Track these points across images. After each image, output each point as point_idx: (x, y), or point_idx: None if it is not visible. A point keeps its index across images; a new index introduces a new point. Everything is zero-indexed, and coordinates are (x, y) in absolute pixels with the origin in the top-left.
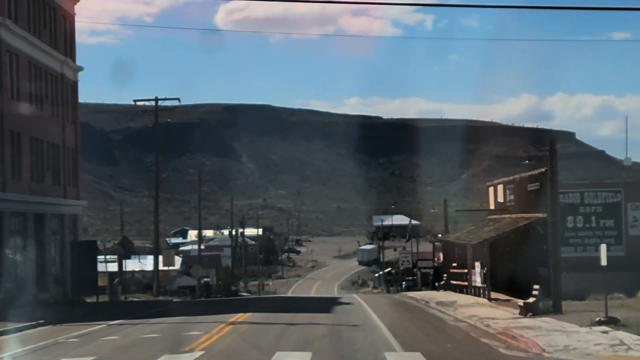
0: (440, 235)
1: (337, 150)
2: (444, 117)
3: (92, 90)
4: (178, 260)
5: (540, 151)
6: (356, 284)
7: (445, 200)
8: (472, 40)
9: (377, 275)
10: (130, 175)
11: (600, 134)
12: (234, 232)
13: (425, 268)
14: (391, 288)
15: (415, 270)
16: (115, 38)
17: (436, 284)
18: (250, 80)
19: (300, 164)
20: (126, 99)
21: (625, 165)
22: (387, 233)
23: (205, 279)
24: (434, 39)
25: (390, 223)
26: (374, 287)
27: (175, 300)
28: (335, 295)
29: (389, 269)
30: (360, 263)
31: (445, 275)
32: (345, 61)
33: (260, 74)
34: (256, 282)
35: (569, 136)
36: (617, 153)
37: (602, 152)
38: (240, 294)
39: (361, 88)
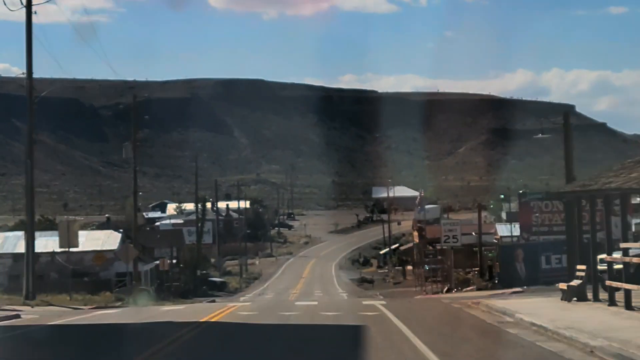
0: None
1: (332, 125)
2: (440, 90)
3: (81, 65)
4: (117, 237)
5: (554, 124)
6: (357, 262)
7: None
8: (467, 16)
9: (381, 252)
10: (120, 151)
11: (597, 109)
12: (213, 204)
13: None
14: (395, 268)
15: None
16: (108, 16)
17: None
18: (243, 57)
19: (294, 138)
20: (116, 75)
21: (627, 138)
22: (388, 206)
23: (156, 262)
24: (429, 15)
25: (389, 195)
26: (379, 266)
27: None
28: (333, 274)
29: (397, 245)
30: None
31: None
32: (339, 38)
33: (253, 51)
34: (237, 263)
35: (568, 109)
36: (616, 126)
37: (604, 125)
38: (211, 279)
39: (355, 65)
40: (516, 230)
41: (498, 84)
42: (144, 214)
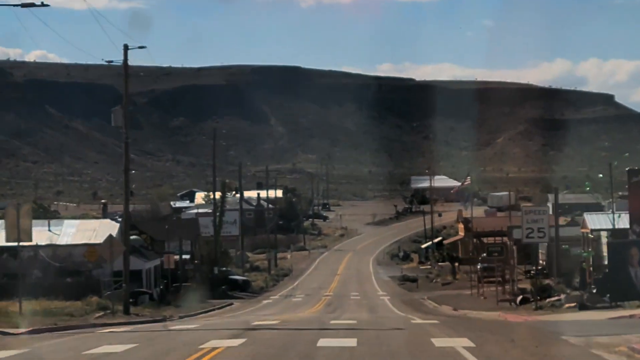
0: None
1: (369, 113)
2: (478, 79)
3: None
4: (114, 228)
5: None
6: (396, 257)
7: None
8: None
9: (423, 247)
10: (154, 139)
11: (636, 99)
12: (234, 193)
13: None
14: (439, 265)
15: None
16: (144, 2)
17: None
18: (280, 44)
19: (331, 127)
20: (152, 61)
21: None
22: (426, 197)
23: (155, 264)
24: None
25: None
26: (420, 262)
27: None
28: (371, 271)
29: (439, 238)
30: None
31: None
32: (377, 27)
33: (290, 38)
34: (265, 257)
35: (607, 99)
36: None
37: None
38: (232, 277)
39: (393, 53)
40: (623, 222)
41: (536, 73)
42: (172, 203)
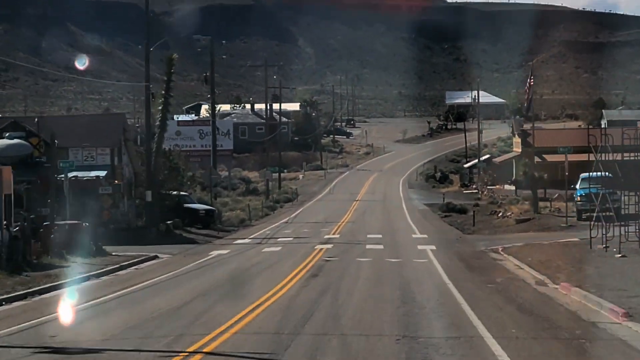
0: None
1: (399, 35)
2: (511, 1)
3: None
4: None
5: None
6: (432, 179)
7: None
8: None
9: (466, 166)
10: (180, 59)
11: None
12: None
13: None
14: (489, 189)
15: None
16: None
17: None
18: None
19: (360, 49)
20: None
21: None
22: (464, 112)
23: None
24: None
25: (466, 101)
26: (463, 185)
27: None
28: (401, 196)
29: (487, 156)
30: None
31: None
32: None
33: None
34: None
35: None
36: None
37: None
38: (189, 205)
39: None
40: None
41: None
42: (175, 116)
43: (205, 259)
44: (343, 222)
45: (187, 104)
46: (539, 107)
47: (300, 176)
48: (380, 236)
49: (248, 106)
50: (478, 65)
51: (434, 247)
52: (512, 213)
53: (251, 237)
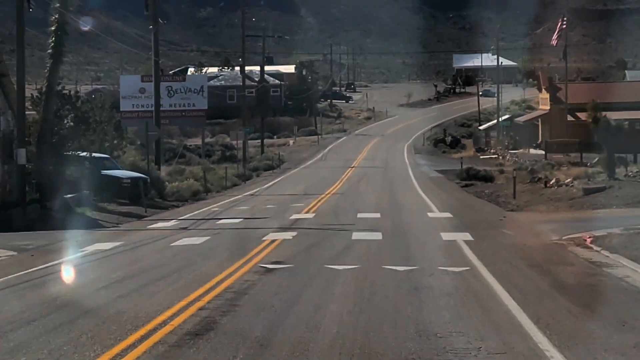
0: None
1: (403, 4)
2: None
3: None
4: None
5: None
6: (442, 144)
7: None
8: None
9: (482, 128)
10: (181, 30)
11: None
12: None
13: None
14: (512, 152)
15: None
16: None
17: None
18: None
19: (364, 18)
20: None
21: None
22: (472, 76)
23: None
24: None
25: (475, 64)
26: (479, 149)
27: None
28: (406, 162)
29: (507, 116)
30: None
31: None
32: None
33: None
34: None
35: None
36: None
37: None
38: (109, 173)
39: None
40: None
41: None
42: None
43: (51, 263)
44: (328, 194)
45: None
46: (550, 74)
47: (291, 142)
48: (377, 215)
49: (238, 69)
50: (483, 34)
51: (468, 236)
52: (573, 180)
53: (184, 217)
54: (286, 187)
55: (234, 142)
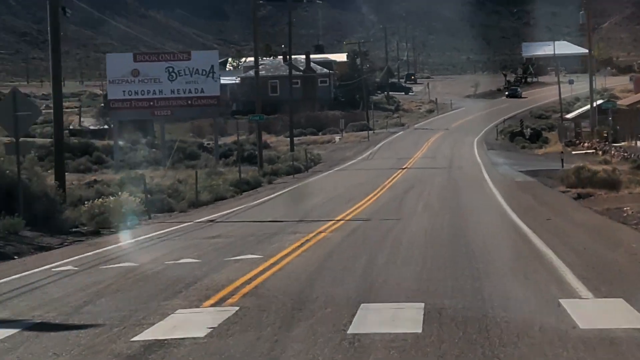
0: None
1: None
2: None
3: None
4: None
5: None
6: (519, 137)
7: None
8: None
9: (569, 116)
10: (240, 29)
11: None
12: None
13: None
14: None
15: None
16: None
17: None
18: None
19: (426, 14)
20: None
21: None
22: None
23: None
24: None
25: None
26: (570, 142)
27: None
28: (479, 161)
29: (601, 101)
30: None
31: None
32: None
33: None
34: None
35: None
36: None
37: None
38: None
39: None
40: None
41: None
42: None
43: None
44: (338, 220)
45: None
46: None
47: (337, 138)
48: (413, 316)
49: (281, 57)
50: (548, 29)
51: None
52: None
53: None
54: (289, 204)
55: (246, 136)
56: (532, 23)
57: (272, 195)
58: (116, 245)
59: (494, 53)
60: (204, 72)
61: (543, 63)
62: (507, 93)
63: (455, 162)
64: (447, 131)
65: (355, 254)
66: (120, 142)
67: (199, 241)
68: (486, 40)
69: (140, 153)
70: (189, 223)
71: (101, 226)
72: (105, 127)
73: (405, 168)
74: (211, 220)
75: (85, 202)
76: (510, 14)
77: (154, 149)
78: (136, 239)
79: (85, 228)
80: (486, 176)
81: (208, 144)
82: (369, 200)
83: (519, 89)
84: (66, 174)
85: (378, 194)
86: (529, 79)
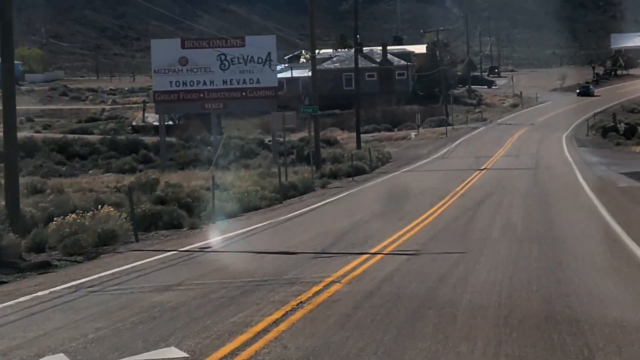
0: None
1: None
2: None
3: None
4: None
5: None
6: (613, 133)
7: None
8: None
9: None
10: (322, 24)
11: None
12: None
13: None
14: None
15: None
16: None
17: None
18: None
19: (511, 8)
20: None
21: None
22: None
23: None
24: None
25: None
26: None
27: None
28: (570, 160)
29: None
30: None
31: None
32: None
33: None
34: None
35: None
36: None
37: None
38: None
39: None
40: None
41: None
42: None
43: None
44: (391, 241)
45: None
46: None
47: (413, 134)
48: None
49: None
50: (636, 22)
51: None
52: None
53: None
54: (308, 224)
55: (279, 133)
56: (618, 16)
57: (310, 207)
58: None
59: (580, 47)
60: (260, 60)
61: (633, 55)
62: (577, 91)
63: (542, 162)
64: (532, 126)
65: (363, 348)
66: (172, 139)
67: (132, 299)
68: (572, 34)
69: (191, 151)
70: (170, 253)
71: (71, 252)
72: (170, 123)
73: (484, 169)
74: (202, 249)
75: (55, 219)
76: (597, 6)
77: (209, 147)
78: (50, 290)
79: (56, 253)
80: (581, 179)
81: (269, 140)
82: (429, 216)
83: (591, 87)
84: (106, 175)
85: (444, 206)
86: (618, 72)
